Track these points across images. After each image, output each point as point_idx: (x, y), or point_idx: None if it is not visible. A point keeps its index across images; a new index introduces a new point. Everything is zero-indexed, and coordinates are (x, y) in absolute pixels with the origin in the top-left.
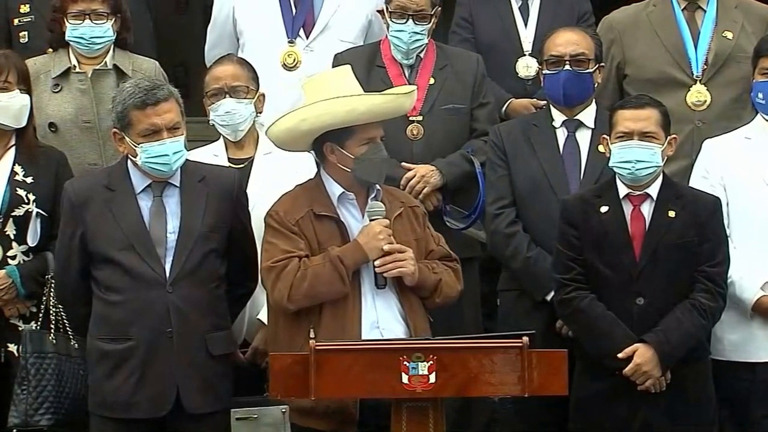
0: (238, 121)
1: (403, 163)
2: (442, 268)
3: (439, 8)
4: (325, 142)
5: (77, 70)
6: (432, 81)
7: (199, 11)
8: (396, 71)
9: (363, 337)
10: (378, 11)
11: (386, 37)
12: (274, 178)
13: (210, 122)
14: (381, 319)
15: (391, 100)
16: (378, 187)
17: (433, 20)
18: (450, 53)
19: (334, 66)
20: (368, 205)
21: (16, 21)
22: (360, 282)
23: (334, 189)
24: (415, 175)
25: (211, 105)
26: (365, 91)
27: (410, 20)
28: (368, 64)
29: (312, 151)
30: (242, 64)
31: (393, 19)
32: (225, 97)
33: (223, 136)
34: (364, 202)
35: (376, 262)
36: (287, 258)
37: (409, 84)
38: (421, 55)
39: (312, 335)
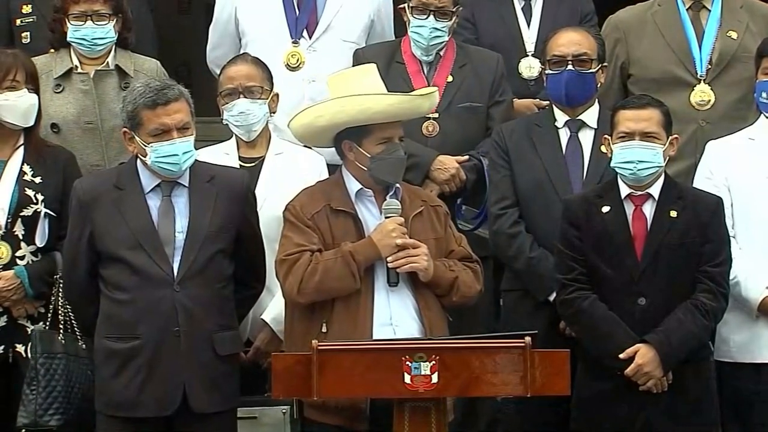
0: (252, 122)
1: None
2: (460, 267)
3: (460, 7)
4: (344, 140)
5: (79, 70)
6: (450, 79)
7: (201, 11)
8: (415, 68)
9: (375, 334)
10: (399, 7)
11: (407, 34)
12: (283, 178)
13: (223, 122)
14: (395, 316)
15: (407, 101)
16: (398, 185)
17: (454, 18)
18: (470, 52)
19: (354, 62)
20: (384, 202)
21: (17, 21)
22: (374, 279)
23: (353, 185)
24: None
25: (225, 105)
26: (387, 89)
27: (431, 16)
28: (388, 60)
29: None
30: (257, 64)
31: (414, 15)
32: (239, 98)
33: (236, 136)
34: (383, 200)
35: (389, 258)
36: (299, 252)
37: (428, 81)
38: (441, 52)
39: (324, 330)
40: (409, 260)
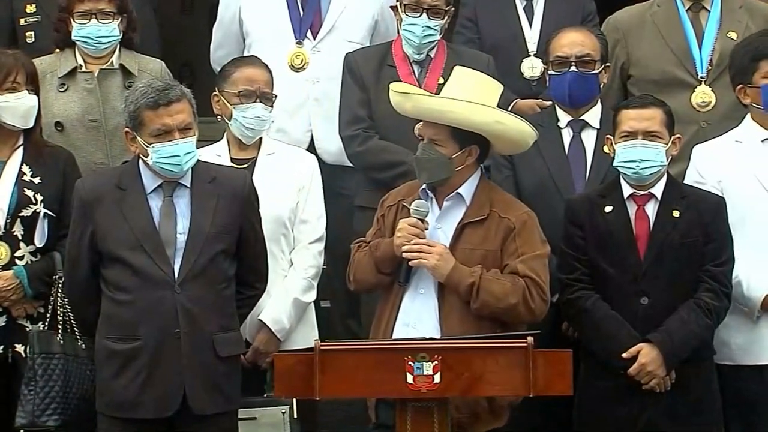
0: (264, 128)
1: None
2: (491, 277)
3: (453, 8)
4: None
5: (84, 69)
6: (442, 81)
7: (204, 11)
8: (406, 70)
9: (395, 334)
10: (391, 7)
11: (398, 36)
12: (275, 179)
13: (221, 118)
14: (416, 318)
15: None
16: (461, 191)
17: (446, 18)
18: (461, 54)
19: (345, 66)
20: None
21: (22, 21)
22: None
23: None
24: None
25: (239, 105)
26: (378, 92)
27: (424, 14)
28: (379, 63)
29: None
30: (270, 71)
31: (407, 13)
32: (256, 101)
33: (236, 138)
34: (443, 199)
35: (403, 249)
36: (358, 243)
37: (419, 83)
38: (432, 54)
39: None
40: (420, 255)
